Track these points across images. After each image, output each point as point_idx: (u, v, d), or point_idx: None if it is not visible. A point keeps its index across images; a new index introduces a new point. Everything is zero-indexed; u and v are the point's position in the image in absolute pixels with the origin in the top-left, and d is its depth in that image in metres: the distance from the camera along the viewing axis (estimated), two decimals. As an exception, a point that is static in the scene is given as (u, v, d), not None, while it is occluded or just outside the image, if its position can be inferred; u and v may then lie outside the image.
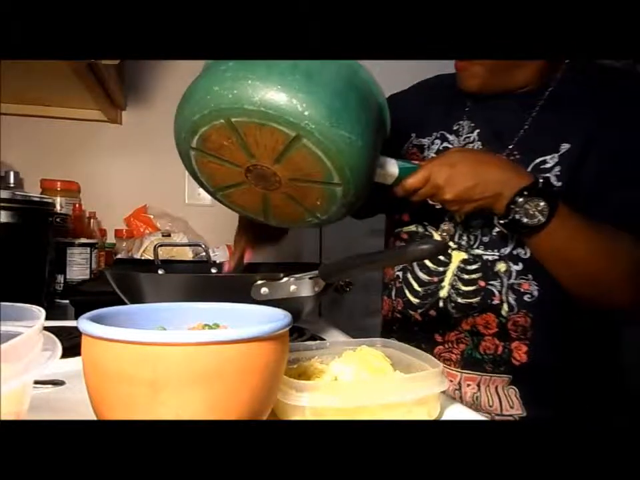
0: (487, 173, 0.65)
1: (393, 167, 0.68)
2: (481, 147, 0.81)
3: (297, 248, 1.68)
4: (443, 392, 0.52)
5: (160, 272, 0.78)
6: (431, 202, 0.71)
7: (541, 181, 0.64)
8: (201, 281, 0.70)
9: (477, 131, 0.82)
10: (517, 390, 0.76)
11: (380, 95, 0.63)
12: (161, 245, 0.89)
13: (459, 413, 0.54)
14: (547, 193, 0.64)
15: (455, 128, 0.85)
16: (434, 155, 0.85)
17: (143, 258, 1.34)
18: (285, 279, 0.63)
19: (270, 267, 0.90)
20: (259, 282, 0.62)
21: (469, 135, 0.83)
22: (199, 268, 0.95)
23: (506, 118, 0.79)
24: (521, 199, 0.63)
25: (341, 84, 0.56)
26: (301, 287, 0.63)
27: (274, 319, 0.41)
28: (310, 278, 0.63)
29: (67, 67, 1.07)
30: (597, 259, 0.67)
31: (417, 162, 0.70)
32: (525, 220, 0.64)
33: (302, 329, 0.82)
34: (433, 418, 0.50)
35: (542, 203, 0.63)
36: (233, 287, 0.66)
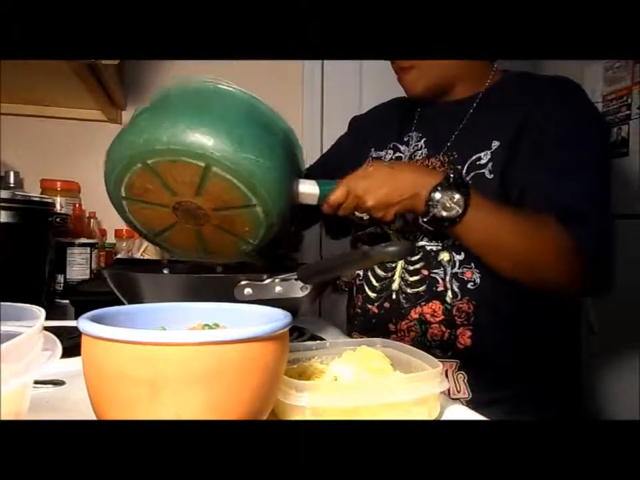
0: (400, 177, 0.72)
1: (312, 187, 0.73)
2: (426, 152, 0.90)
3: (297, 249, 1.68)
4: (443, 392, 0.52)
5: (165, 271, 0.79)
6: (358, 214, 0.76)
7: (451, 175, 0.70)
8: (199, 281, 0.70)
9: (424, 139, 0.92)
10: (465, 375, 0.81)
11: (283, 122, 0.68)
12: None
13: (458, 413, 0.54)
14: (459, 185, 0.69)
15: (405, 139, 0.95)
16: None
17: (143, 258, 1.34)
18: (268, 280, 0.63)
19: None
20: (243, 282, 0.63)
21: (417, 144, 0.92)
22: (203, 268, 0.95)
23: (444, 123, 0.89)
24: (436, 194, 0.69)
25: (242, 115, 0.64)
26: (288, 288, 0.63)
27: (274, 318, 0.41)
28: (295, 279, 0.63)
29: (67, 66, 1.07)
30: (521, 243, 0.72)
31: (335, 180, 0.76)
32: (444, 213, 0.69)
33: (302, 329, 0.82)
34: (432, 418, 0.50)
35: (456, 195, 0.68)
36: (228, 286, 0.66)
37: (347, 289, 1.74)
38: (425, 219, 0.71)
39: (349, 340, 0.69)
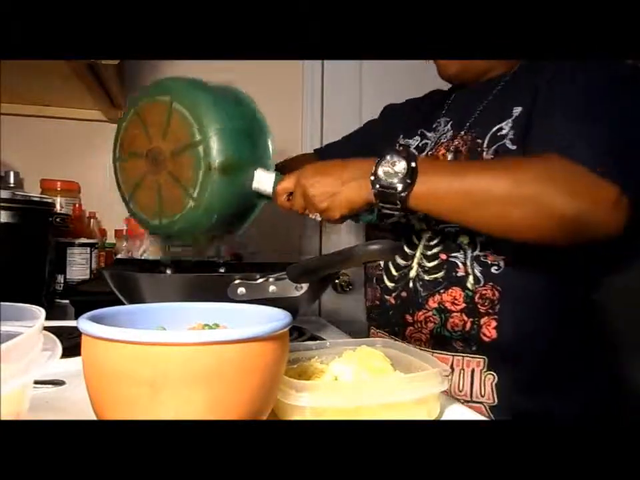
0: (342, 167, 0.70)
1: (269, 175, 0.75)
2: (451, 134, 0.85)
3: (297, 248, 1.68)
4: (443, 392, 0.52)
5: (168, 272, 0.79)
6: (310, 215, 0.74)
7: (390, 151, 0.66)
8: (197, 281, 0.70)
9: (450, 122, 0.87)
10: (495, 376, 0.74)
11: (252, 104, 0.79)
12: (171, 245, 0.90)
13: (458, 413, 0.54)
14: (400, 151, 0.66)
15: (434, 126, 0.91)
16: (413, 151, 0.90)
17: (142, 258, 1.34)
18: (261, 280, 0.64)
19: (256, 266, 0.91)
20: (236, 281, 0.63)
21: (444, 128, 0.88)
22: (206, 268, 0.95)
23: (471, 103, 0.84)
24: (377, 165, 0.65)
25: (205, 82, 0.76)
26: (282, 287, 0.63)
27: (274, 318, 0.41)
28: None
29: (67, 66, 1.07)
30: (491, 183, 0.63)
31: None
32: (390, 179, 0.64)
33: (302, 329, 0.82)
34: (432, 418, 0.50)
35: (396, 157, 0.64)
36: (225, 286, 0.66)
37: (348, 289, 1.74)
38: (378, 199, 0.66)
39: (349, 340, 0.69)
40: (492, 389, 0.74)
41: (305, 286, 0.63)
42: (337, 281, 1.71)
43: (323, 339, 0.75)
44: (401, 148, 0.69)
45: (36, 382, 0.51)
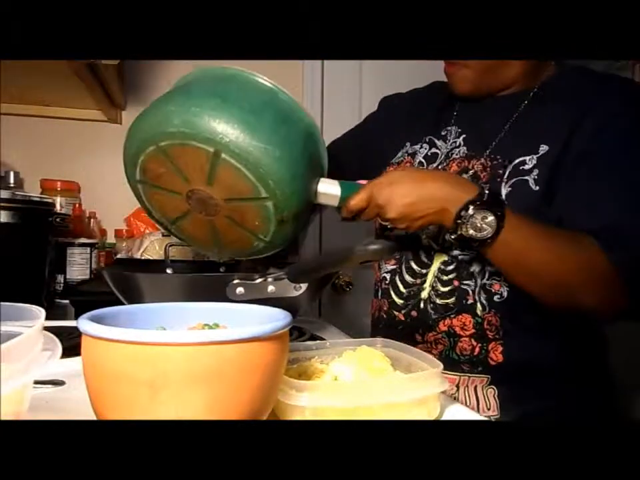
0: (427, 189, 0.65)
1: (334, 188, 0.69)
2: (466, 151, 0.81)
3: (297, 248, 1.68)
4: (443, 392, 0.52)
5: (169, 271, 0.79)
6: (381, 222, 0.71)
7: (487, 192, 0.64)
8: (196, 281, 0.70)
9: (463, 136, 0.84)
10: (495, 390, 0.76)
11: (306, 115, 0.66)
12: (171, 245, 0.89)
13: (459, 413, 0.54)
14: (493, 204, 0.64)
15: (443, 133, 0.87)
16: (422, 160, 0.87)
17: (143, 258, 1.34)
18: (260, 280, 0.63)
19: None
20: (235, 281, 0.62)
21: (455, 140, 0.84)
22: (207, 268, 0.95)
23: (489, 121, 0.81)
24: (466, 213, 0.63)
25: (257, 102, 0.62)
26: (281, 287, 0.63)
27: (274, 319, 0.41)
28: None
29: (66, 66, 1.07)
30: (553, 266, 0.67)
31: (361, 181, 0.71)
32: (473, 233, 0.64)
33: (302, 329, 0.82)
34: (432, 418, 0.50)
35: (489, 216, 0.63)
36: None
37: (347, 289, 1.74)
38: (452, 236, 0.66)
39: (349, 340, 0.69)
40: (496, 401, 0.76)
41: (303, 286, 0.63)
42: (336, 281, 1.71)
43: (323, 339, 0.75)
44: (492, 195, 0.65)
45: (36, 382, 0.51)
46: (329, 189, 0.68)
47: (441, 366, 0.50)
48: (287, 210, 0.63)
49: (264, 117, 0.61)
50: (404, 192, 0.65)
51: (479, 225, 0.63)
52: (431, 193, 0.65)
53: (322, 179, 0.69)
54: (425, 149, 0.88)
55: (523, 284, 0.70)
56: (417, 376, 0.49)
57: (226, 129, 0.57)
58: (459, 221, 0.63)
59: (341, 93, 1.78)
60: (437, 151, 0.86)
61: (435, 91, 0.95)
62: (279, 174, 0.60)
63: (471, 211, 0.63)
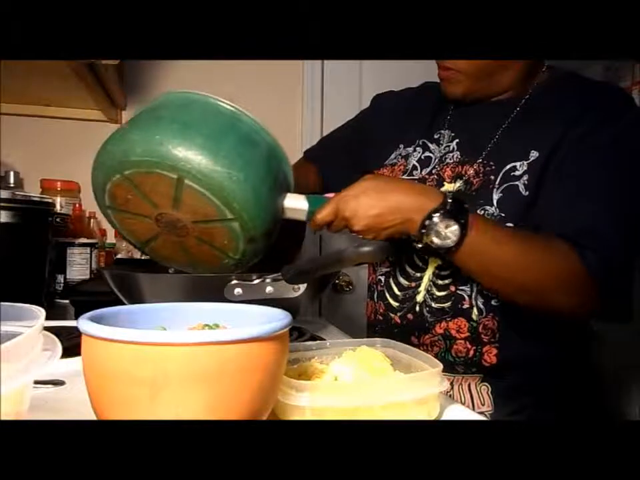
0: (392, 200, 0.66)
1: (300, 202, 0.69)
2: (459, 156, 0.83)
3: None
4: (443, 392, 0.52)
5: (170, 271, 0.79)
6: (351, 232, 0.71)
7: (450, 200, 0.64)
8: (195, 281, 0.70)
9: (456, 140, 0.85)
10: (489, 387, 0.78)
11: (267, 135, 0.67)
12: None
13: (459, 413, 0.54)
14: (457, 212, 0.64)
15: (436, 137, 0.88)
16: (416, 164, 0.88)
17: (142, 258, 1.34)
18: (257, 281, 0.63)
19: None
20: (233, 282, 0.63)
21: (448, 144, 0.86)
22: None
23: (482, 127, 0.82)
24: (430, 222, 0.64)
25: (218, 127, 0.62)
26: (279, 288, 0.63)
27: (274, 319, 0.41)
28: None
29: (66, 66, 1.07)
30: (523, 269, 0.69)
31: (328, 195, 0.71)
32: (437, 241, 0.64)
33: (302, 329, 0.82)
34: (432, 418, 0.50)
35: (452, 224, 0.64)
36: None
37: (347, 289, 1.74)
38: (419, 245, 0.67)
39: (349, 340, 0.69)
40: (489, 397, 0.78)
41: (302, 287, 0.63)
42: (337, 281, 1.71)
43: (323, 339, 0.75)
44: (456, 202, 0.65)
45: (36, 382, 0.51)
46: (295, 204, 0.69)
47: (441, 366, 0.50)
48: (254, 230, 0.63)
49: (225, 141, 0.61)
50: (369, 204, 0.66)
51: (442, 233, 0.64)
52: (395, 203, 0.66)
53: (288, 195, 0.69)
54: (419, 152, 0.89)
55: (492, 288, 0.73)
56: (417, 376, 0.49)
57: (187, 156, 0.58)
58: (424, 231, 0.65)
59: (340, 93, 1.78)
60: (431, 154, 0.87)
61: (427, 91, 0.96)
62: (243, 197, 0.60)
63: (435, 219, 0.64)
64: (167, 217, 0.65)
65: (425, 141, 0.89)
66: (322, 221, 0.68)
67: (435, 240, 0.64)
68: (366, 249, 0.49)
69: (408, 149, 0.91)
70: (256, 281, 0.63)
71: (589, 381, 0.84)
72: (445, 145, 0.86)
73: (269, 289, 0.63)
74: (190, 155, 0.58)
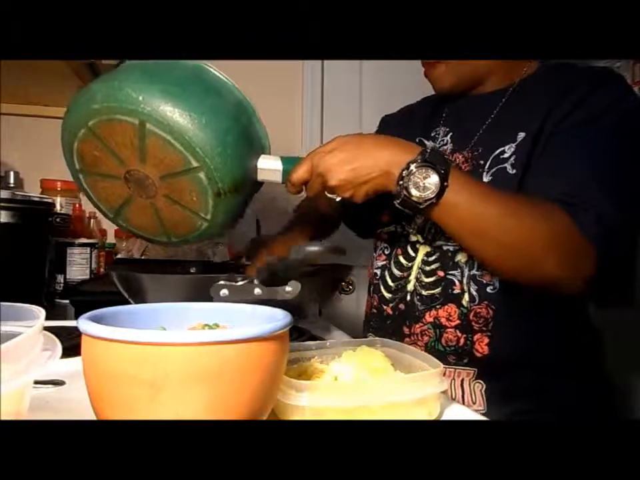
0: (368, 153, 0.64)
1: (274, 163, 0.68)
2: (452, 147, 0.84)
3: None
4: (443, 392, 0.52)
5: (192, 270, 0.79)
6: (328, 195, 0.68)
7: (428, 151, 0.62)
8: (179, 282, 0.69)
9: (450, 134, 0.86)
10: (482, 384, 0.76)
11: (237, 91, 0.65)
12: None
13: (459, 412, 0.54)
14: (436, 162, 0.62)
15: (432, 135, 0.90)
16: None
17: (143, 258, 1.34)
18: (243, 282, 0.61)
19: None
20: (219, 283, 0.61)
21: (443, 139, 0.87)
22: (221, 268, 0.95)
23: (472, 117, 0.83)
24: (407, 172, 0.62)
25: (182, 75, 0.62)
26: (268, 290, 0.61)
27: (274, 319, 0.41)
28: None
29: (66, 66, 1.07)
30: (510, 230, 0.65)
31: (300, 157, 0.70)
32: (416, 193, 0.62)
33: (302, 329, 0.82)
34: (432, 418, 0.50)
35: (432, 174, 0.61)
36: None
37: (347, 290, 1.74)
38: (397, 201, 0.64)
39: (349, 340, 0.69)
40: (482, 395, 0.76)
41: (294, 289, 0.61)
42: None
43: (323, 339, 0.75)
44: (434, 153, 0.63)
45: (36, 382, 0.51)
46: (269, 164, 0.67)
47: (441, 366, 0.50)
48: (221, 181, 0.62)
49: (188, 88, 0.61)
50: (344, 158, 0.64)
51: (421, 184, 0.61)
52: (372, 156, 0.64)
53: (263, 155, 0.68)
54: None
55: (477, 251, 0.69)
56: (417, 376, 0.49)
57: (147, 99, 0.58)
58: (401, 182, 0.62)
59: (340, 92, 1.78)
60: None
61: (426, 102, 0.99)
62: (206, 141, 0.59)
63: (412, 168, 0.61)
64: (135, 174, 0.64)
65: (422, 138, 0.90)
66: (297, 180, 0.67)
67: (413, 191, 0.62)
68: (311, 249, 0.47)
69: None
70: (240, 282, 0.61)
71: (591, 385, 0.81)
72: (439, 140, 0.87)
73: (257, 290, 0.61)
74: (149, 98, 0.58)
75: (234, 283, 0.61)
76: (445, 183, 0.62)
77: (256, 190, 0.71)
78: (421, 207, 0.63)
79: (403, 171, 0.62)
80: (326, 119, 1.77)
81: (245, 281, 0.62)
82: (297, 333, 0.79)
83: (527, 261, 0.66)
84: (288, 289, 0.62)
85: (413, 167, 0.62)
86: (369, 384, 0.50)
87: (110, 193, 0.68)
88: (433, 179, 0.61)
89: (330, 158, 0.64)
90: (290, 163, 0.68)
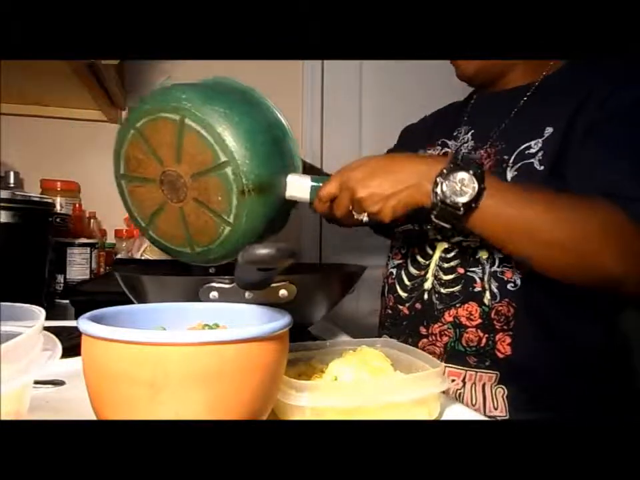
0: (398, 166, 0.63)
1: (304, 179, 0.69)
2: (472, 144, 0.83)
3: (296, 247, 1.68)
4: (443, 392, 0.51)
5: (211, 270, 0.79)
6: (356, 215, 0.67)
7: (459, 157, 0.62)
8: (170, 283, 0.68)
9: (472, 131, 0.85)
10: (505, 390, 0.74)
11: (277, 113, 0.71)
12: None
13: (459, 412, 0.54)
14: (469, 164, 0.60)
15: (454, 134, 0.89)
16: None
17: (143, 258, 1.34)
18: (230, 285, 0.60)
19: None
20: (208, 285, 0.60)
21: (464, 137, 0.86)
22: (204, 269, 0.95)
23: (494, 113, 0.82)
24: (441, 178, 0.60)
25: (227, 86, 0.69)
26: (260, 293, 0.59)
27: (274, 319, 0.41)
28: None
29: (67, 66, 1.07)
30: (561, 230, 0.62)
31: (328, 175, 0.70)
32: (455, 198, 0.59)
33: (302, 329, 0.82)
34: (433, 418, 0.50)
35: (465, 175, 0.59)
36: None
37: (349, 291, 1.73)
38: (434, 213, 0.61)
39: (349, 340, 0.69)
40: (504, 401, 0.73)
41: (287, 293, 0.60)
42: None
43: (323, 339, 0.75)
44: (468, 159, 0.61)
45: (36, 382, 0.51)
46: (298, 180, 0.68)
47: (442, 366, 0.50)
48: (246, 177, 0.63)
49: (230, 96, 0.66)
50: (373, 171, 0.63)
51: (458, 188, 0.59)
52: (402, 169, 0.63)
53: (291, 174, 0.69)
54: (437, 150, 0.90)
55: (523, 252, 0.65)
56: (417, 376, 0.49)
57: (190, 96, 0.63)
58: (437, 190, 0.60)
59: (340, 93, 1.78)
60: (448, 150, 0.88)
61: (451, 108, 0.99)
62: (236, 136, 0.63)
63: (445, 176, 0.59)
64: (169, 175, 0.67)
65: (444, 139, 0.90)
66: (326, 195, 0.66)
67: (452, 198, 0.59)
68: (262, 251, 0.45)
69: (429, 150, 0.92)
70: (228, 286, 0.61)
71: (618, 389, 0.78)
72: (461, 138, 0.87)
73: (247, 293, 0.59)
74: (192, 96, 0.63)
75: (224, 286, 0.60)
76: (482, 185, 0.59)
77: (286, 212, 0.72)
78: (460, 212, 0.60)
79: (437, 177, 0.60)
80: (326, 119, 1.77)
81: (231, 285, 0.60)
82: (297, 333, 0.79)
83: (580, 258, 0.63)
84: (282, 292, 0.61)
85: (445, 171, 0.60)
86: (369, 384, 0.50)
87: (146, 199, 0.71)
88: (470, 181, 0.59)
89: (359, 172, 0.64)
90: (319, 181, 0.68)
